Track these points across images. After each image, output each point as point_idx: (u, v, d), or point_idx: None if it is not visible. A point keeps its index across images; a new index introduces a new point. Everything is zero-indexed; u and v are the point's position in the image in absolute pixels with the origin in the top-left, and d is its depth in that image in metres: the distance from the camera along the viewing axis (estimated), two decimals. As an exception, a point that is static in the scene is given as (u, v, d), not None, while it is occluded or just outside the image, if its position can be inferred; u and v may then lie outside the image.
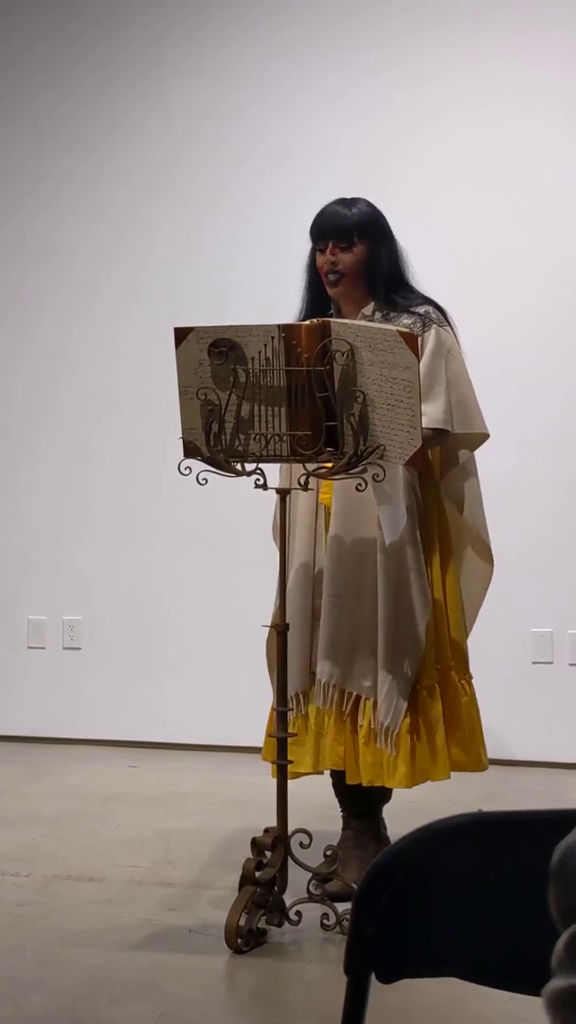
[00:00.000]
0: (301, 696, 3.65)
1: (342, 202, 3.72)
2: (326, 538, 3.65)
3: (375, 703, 3.56)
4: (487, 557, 3.82)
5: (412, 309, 3.64)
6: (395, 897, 1.24)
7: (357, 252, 3.65)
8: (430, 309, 3.65)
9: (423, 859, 1.25)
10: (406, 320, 3.60)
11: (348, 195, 3.76)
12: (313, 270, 3.73)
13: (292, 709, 3.60)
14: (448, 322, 3.68)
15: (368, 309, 3.66)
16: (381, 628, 3.55)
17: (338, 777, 3.72)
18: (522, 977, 1.24)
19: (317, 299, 3.74)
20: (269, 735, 3.64)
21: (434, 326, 3.61)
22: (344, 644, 3.60)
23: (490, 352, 5.13)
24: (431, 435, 3.49)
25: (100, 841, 4.29)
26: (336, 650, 3.60)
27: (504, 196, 5.30)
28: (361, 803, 3.76)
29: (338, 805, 3.83)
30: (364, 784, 3.61)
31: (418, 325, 3.59)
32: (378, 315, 3.64)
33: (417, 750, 3.57)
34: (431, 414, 3.47)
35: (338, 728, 3.60)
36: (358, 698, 3.59)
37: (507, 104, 5.30)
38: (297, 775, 3.64)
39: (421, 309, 3.64)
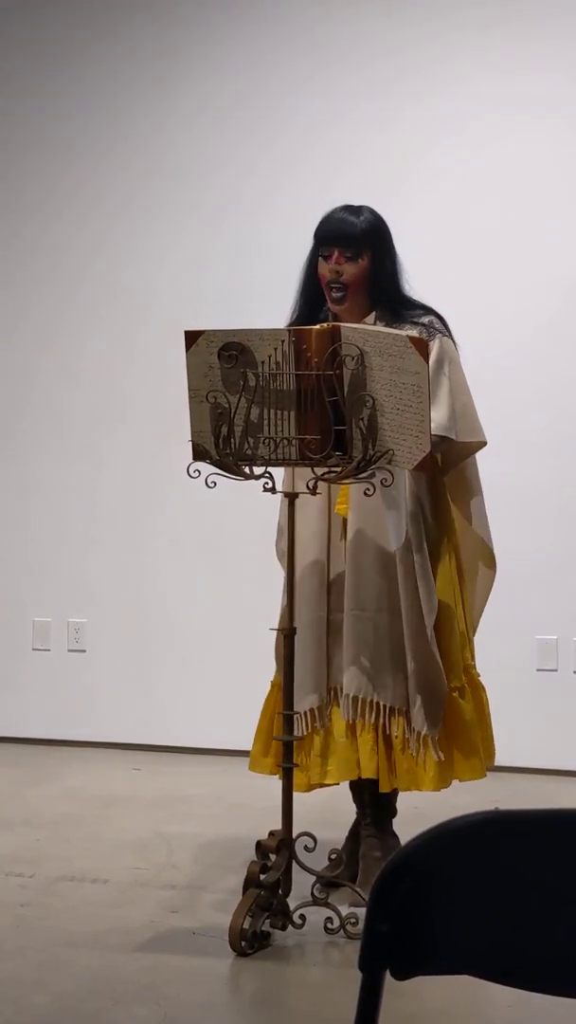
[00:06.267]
0: (317, 711, 3.62)
1: (349, 209, 3.68)
2: (343, 549, 3.64)
3: (406, 712, 3.57)
4: (490, 563, 3.82)
5: (415, 320, 3.62)
6: (410, 894, 1.25)
7: (362, 263, 3.62)
8: (433, 319, 3.65)
9: (439, 857, 1.26)
10: (410, 331, 3.59)
11: (356, 203, 3.74)
12: (312, 271, 3.69)
13: (316, 724, 3.61)
14: (449, 332, 3.68)
15: (370, 319, 3.64)
16: (410, 638, 3.56)
17: (361, 786, 3.68)
18: (536, 976, 1.24)
19: (312, 300, 3.70)
20: (274, 738, 3.63)
21: (438, 336, 3.60)
22: (370, 657, 3.59)
23: (493, 358, 5.13)
24: (436, 441, 3.49)
25: (103, 843, 4.29)
26: (362, 664, 3.60)
27: (512, 206, 5.30)
28: (382, 810, 3.74)
29: (356, 813, 3.79)
30: (401, 790, 3.64)
31: (424, 335, 3.58)
32: (380, 324, 3.60)
33: (454, 753, 3.62)
34: (436, 419, 3.46)
35: (373, 738, 3.58)
36: (389, 708, 3.58)
37: (516, 116, 5.30)
38: (322, 786, 3.68)
39: (425, 319, 3.63)
